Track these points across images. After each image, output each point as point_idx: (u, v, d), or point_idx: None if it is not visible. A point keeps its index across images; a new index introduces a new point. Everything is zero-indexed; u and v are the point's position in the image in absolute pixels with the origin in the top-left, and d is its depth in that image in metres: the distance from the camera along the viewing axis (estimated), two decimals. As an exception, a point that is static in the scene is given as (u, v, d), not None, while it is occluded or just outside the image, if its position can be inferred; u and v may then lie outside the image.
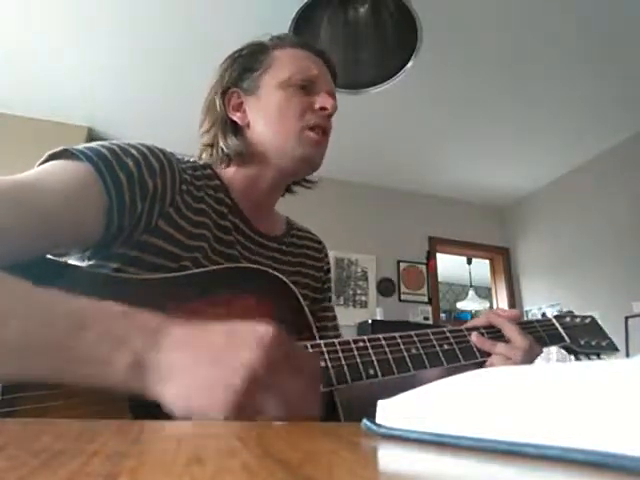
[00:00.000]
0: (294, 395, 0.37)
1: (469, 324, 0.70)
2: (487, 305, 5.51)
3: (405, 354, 0.57)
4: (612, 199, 3.23)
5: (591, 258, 3.31)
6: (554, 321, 0.76)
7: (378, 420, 0.25)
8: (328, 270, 0.84)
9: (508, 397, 0.20)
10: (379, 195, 3.95)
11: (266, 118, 0.70)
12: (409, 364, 0.56)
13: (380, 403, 0.25)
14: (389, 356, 0.55)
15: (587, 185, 3.46)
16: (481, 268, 4.82)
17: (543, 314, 0.79)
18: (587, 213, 3.42)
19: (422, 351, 0.58)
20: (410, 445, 0.21)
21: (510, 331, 0.66)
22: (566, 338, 0.74)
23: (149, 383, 0.37)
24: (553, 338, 0.73)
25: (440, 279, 4.07)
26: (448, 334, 0.63)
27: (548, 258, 3.73)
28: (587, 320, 0.80)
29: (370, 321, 3.21)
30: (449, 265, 5.29)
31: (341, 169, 3.59)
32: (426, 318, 3.67)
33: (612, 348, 0.78)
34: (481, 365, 0.63)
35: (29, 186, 0.48)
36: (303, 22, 1.83)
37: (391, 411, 0.25)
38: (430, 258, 3.87)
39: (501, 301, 4.08)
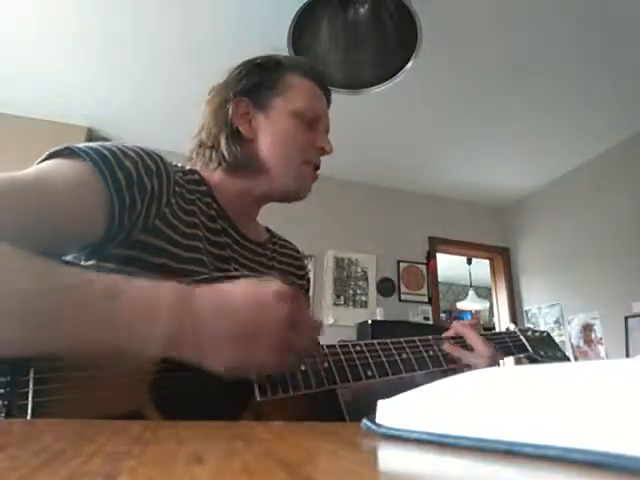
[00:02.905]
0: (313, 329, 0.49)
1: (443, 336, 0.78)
2: (487, 305, 5.51)
3: (397, 358, 0.63)
4: (612, 199, 3.23)
5: (591, 258, 3.31)
6: (519, 333, 0.87)
7: (378, 420, 0.25)
8: (309, 279, 0.88)
9: (508, 397, 0.20)
10: (379, 195, 3.95)
11: (272, 140, 0.72)
12: (401, 366, 0.63)
13: (380, 403, 0.25)
14: (384, 359, 0.61)
15: (587, 185, 3.46)
16: (481, 268, 4.82)
17: (507, 328, 0.92)
18: (587, 213, 3.42)
19: (411, 356, 0.65)
20: (410, 445, 0.21)
21: (473, 339, 0.74)
22: (529, 348, 0.85)
23: (189, 352, 0.42)
24: (519, 348, 0.84)
25: (440, 279, 4.06)
26: (418, 343, 0.69)
27: (548, 258, 3.73)
28: (544, 334, 0.92)
29: (370, 321, 3.21)
30: (449, 265, 5.29)
31: (341, 169, 3.59)
32: (426, 318, 3.66)
33: (565, 359, 0.92)
34: (447, 372, 0.70)
35: (30, 184, 0.48)
36: (303, 22, 1.83)
37: (391, 411, 0.25)
38: (430, 258, 3.87)
39: (501, 301, 4.08)
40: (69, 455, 0.16)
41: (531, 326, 3.42)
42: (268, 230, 0.85)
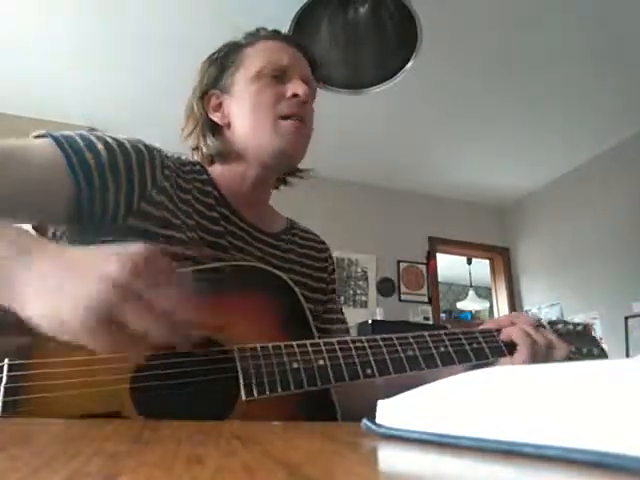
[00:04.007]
0: (163, 308, 0.38)
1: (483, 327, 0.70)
2: (487, 305, 5.51)
3: (402, 355, 0.57)
4: (612, 199, 3.23)
5: (591, 258, 3.31)
6: (547, 327, 0.77)
7: (378, 420, 0.25)
8: (333, 271, 0.83)
9: (508, 397, 0.20)
10: (379, 195, 3.94)
11: (241, 114, 0.71)
12: (406, 365, 0.56)
13: (380, 403, 0.25)
14: (386, 356, 0.55)
15: (587, 185, 3.46)
16: (481, 268, 4.81)
17: (538, 320, 0.76)
18: (587, 213, 3.41)
19: (418, 352, 0.58)
20: (410, 445, 0.21)
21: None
22: None
23: (16, 297, 0.38)
24: None
25: (440, 279, 4.06)
26: (444, 337, 0.62)
27: (548, 258, 3.72)
28: (579, 327, 0.80)
29: (370, 321, 3.20)
30: (449, 265, 5.28)
31: (341, 169, 3.58)
32: (426, 318, 3.66)
33: (603, 356, 0.79)
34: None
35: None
36: (303, 22, 1.83)
37: (391, 411, 0.25)
38: (430, 258, 3.87)
39: (501, 301, 4.07)
40: (69, 455, 0.16)
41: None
42: (290, 221, 0.82)
